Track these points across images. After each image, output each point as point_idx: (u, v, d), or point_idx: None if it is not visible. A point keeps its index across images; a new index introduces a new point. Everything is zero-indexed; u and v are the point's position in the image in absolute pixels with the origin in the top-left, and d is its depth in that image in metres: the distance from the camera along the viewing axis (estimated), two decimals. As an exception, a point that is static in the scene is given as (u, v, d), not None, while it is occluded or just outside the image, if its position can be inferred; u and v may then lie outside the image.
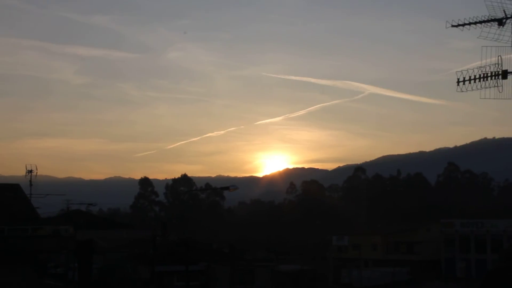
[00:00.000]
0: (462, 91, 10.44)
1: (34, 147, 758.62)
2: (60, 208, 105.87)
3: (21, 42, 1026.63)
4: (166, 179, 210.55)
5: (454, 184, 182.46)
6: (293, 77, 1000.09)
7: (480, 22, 10.69)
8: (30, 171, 65.09)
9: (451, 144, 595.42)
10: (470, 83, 10.47)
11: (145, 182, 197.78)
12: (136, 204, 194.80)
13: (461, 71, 10.22)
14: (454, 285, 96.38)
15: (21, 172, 66.81)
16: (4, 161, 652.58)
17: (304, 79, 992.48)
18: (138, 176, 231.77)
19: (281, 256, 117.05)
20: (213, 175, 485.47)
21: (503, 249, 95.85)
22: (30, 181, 63.85)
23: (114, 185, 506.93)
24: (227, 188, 61.03)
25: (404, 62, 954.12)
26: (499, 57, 10.47)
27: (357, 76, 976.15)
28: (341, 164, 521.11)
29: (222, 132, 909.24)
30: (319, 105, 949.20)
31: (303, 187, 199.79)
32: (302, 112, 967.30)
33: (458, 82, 10.54)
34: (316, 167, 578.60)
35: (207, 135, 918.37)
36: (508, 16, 10.56)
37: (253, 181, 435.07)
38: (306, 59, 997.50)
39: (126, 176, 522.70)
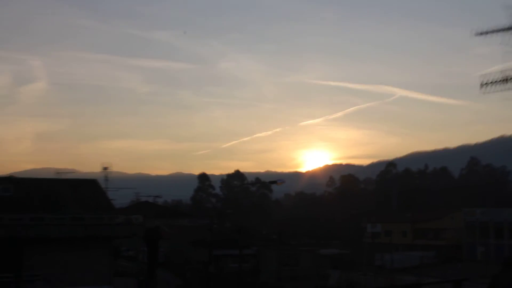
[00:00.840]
0: (486, 94, 10.37)
1: (108, 147, 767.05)
2: (131, 199, 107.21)
3: (94, 56, 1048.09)
4: (221, 175, 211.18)
5: (476, 177, 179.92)
6: (331, 83, 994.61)
7: (502, 30, 10.61)
8: (106, 168, 66.03)
9: (472, 141, 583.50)
10: (492, 85, 10.41)
11: (203, 177, 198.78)
12: (196, 196, 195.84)
13: (484, 75, 10.13)
14: (475, 266, 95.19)
15: (98, 169, 67.94)
16: (83, 159, 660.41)
17: (341, 84, 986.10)
18: (197, 171, 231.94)
19: (322, 241, 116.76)
20: (262, 171, 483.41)
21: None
22: (106, 176, 64.73)
23: (177, 179, 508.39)
24: (274, 182, 61.14)
25: (430, 67, 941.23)
26: (519, 63, 10.41)
27: (388, 80, 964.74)
28: (374, 160, 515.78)
29: (269, 132, 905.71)
30: (354, 108, 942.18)
31: (341, 180, 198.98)
32: (339, 114, 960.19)
33: (481, 85, 10.47)
34: (352, 163, 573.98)
35: (256, 135, 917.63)
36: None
37: (297, 175, 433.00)
38: (343, 66, 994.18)
39: (187, 172, 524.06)
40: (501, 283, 10.02)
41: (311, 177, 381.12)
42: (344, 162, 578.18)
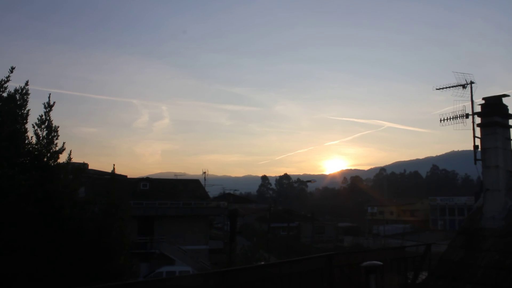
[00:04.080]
0: (443, 126, 10.10)
1: (206, 159, 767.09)
2: (219, 192, 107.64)
3: (197, 103, 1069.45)
4: (276, 176, 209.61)
5: (436, 177, 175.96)
6: (344, 118, 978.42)
7: (452, 86, 10.39)
8: (204, 172, 66.37)
9: (434, 154, 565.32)
10: (447, 121, 10.14)
11: (264, 178, 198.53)
12: (259, 190, 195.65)
13: (441, 114, 9.91)
14: (437, 234, 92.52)
15: (200, 172, 68.29)
16: (191, 166, 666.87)
17: (350, 119, 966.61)
18: (260, 174, 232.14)
19: (339, 218, 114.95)
20: (301, 174, 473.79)
21: (470, 213, 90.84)
22: (204, 178, 65.09)
23: (248, 179, 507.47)
24: (309, 181, 61.03)
25: (407, 108, 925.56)
26: (464, 106, 10.13)
27: (380, 116, 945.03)
28: (372, 167, 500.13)
29: (306, 149, 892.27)
30: (359, 134, 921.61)
31: (351, 180, 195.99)
32: (349, 138, 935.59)
33: (440, 120, 10.18)
34: (358, 168, 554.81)
35: (297, 151, 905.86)
36: (468, 83, 10.25)
37: (323, 176, 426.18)
38: (351, 108, 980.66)
39: (254, 174, 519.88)
40: (455, 245, 9.70)
41: (332, 177, 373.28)
42: (353, 168, 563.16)
